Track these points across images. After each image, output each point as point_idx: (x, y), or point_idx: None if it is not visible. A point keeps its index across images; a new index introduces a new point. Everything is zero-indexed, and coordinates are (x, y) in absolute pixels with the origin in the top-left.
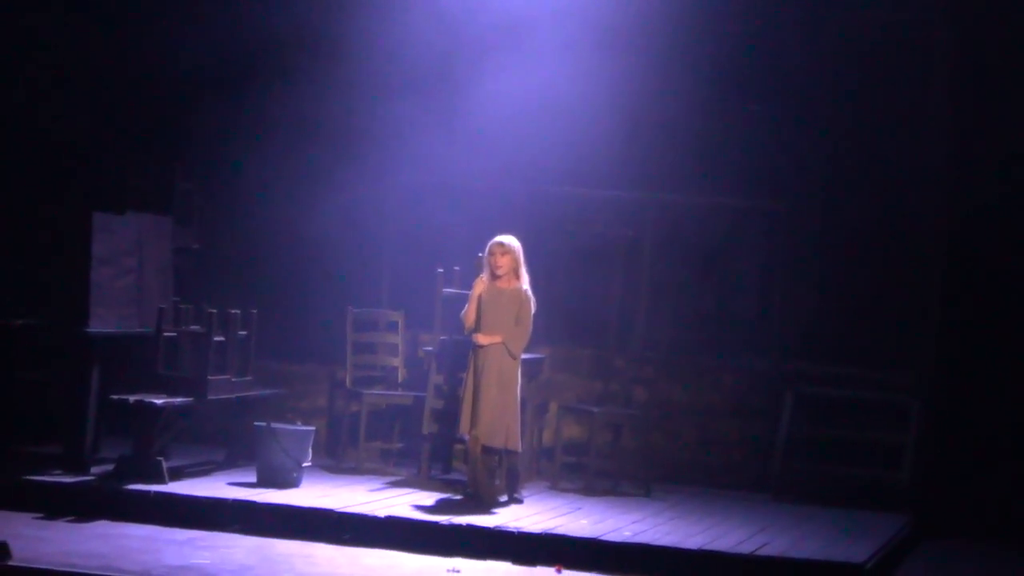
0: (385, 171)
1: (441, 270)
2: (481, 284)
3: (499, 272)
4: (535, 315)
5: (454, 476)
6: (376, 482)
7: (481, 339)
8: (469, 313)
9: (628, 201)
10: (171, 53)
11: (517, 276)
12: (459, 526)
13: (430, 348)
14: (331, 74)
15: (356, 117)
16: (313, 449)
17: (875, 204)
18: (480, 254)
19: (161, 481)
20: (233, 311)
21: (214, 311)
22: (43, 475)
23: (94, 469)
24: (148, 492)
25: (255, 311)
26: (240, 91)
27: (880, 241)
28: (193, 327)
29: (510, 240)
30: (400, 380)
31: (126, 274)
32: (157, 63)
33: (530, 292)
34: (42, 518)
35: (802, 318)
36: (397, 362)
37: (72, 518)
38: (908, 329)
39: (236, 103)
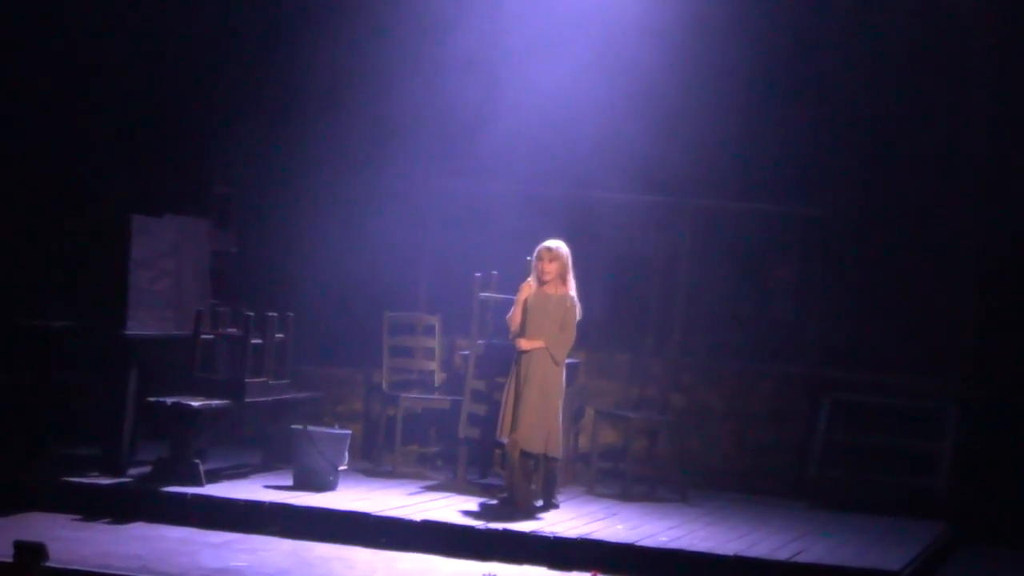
0: (422, 175)
1: (479, 274)
2: (528, 288)
3: (545, 279)
4: (582, 322)
5: (490, 480)
6: (412, 486)
7: (524, 344)
8: (515, 317)
9: (666, 206)
10: (211, 56)
11: (564, 282)
12: (495, 530)
13: (467, 352)
14: (368, 77)
15: (394, 119)
16: (349, 452)
17: (913, 209)
18: (528, 258)
19: (198, 483)
20: (270, 314)
21: (251, 314)
22: (81, 477)
23: (131, 471)
24: (185, 494)
25: (292, 314)
26: (277, 97)
27: (918, 247)
28: (230, 330)
29: (559, 246)
30: (437, 384)
31: (164, 277)
32: (197, 65)
33: (576, 299)
34: (80, 520)
35: (839, 324)
36: (434, 366)
37: (109, 520)
38: (945, 335)
39: (274, 106)
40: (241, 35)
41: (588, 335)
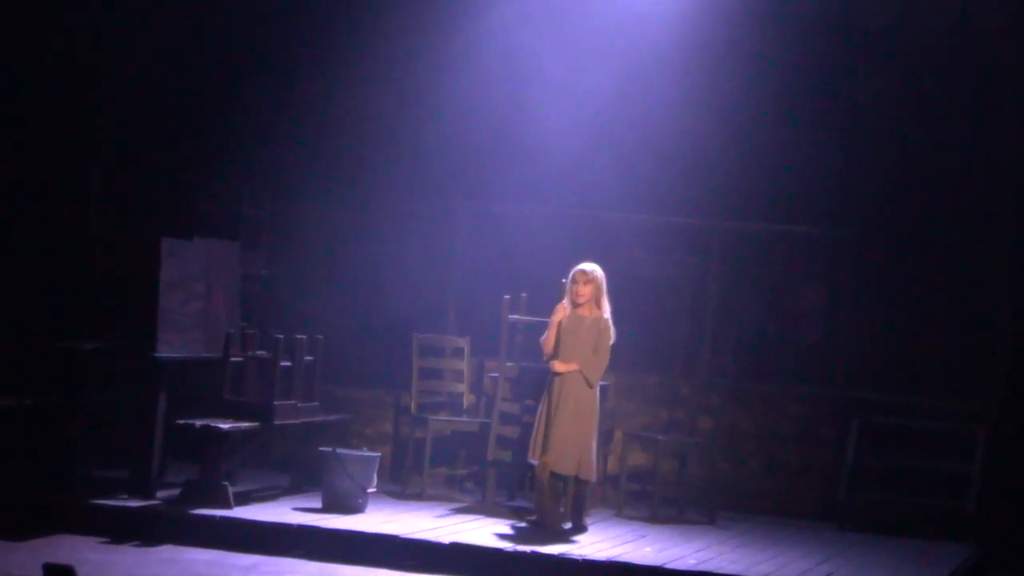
0: (451, 197)
1: (508, 296)
2: (562, 311)
3: (580, 300)
4: (613, 345)
5: (519, 503)
6: (441, 508)
7: (558, 366)
8: (548, 339)
9: (694, 228)
10: (240, 79)
11: (598, 305)
12: (524, 553)
13: (496, 374)
14: (402, 100)
15: (423, 143)
16: (378, 475)
17: (943, 231)
18: (563, 280)
19: (227, 506)
20: (299, 337)
21: (281, 336)
22: (110, 499)
23: (160, 493)
24: (214, 517)
25: (321, 337)
26: (306, 118)
27: (947, 268)
28: (260, 352)
29: (593, 268)
30: (465, 406)
31: (194, 299)
32: (226, 87)
33: (611, 322)
34: (108, 542)
35: (868, 346)
36: (463, 388)
37: (138, 542)
38: (975, 357)
39: (302, 130)
40: (271, 59)
41: (617, 357)
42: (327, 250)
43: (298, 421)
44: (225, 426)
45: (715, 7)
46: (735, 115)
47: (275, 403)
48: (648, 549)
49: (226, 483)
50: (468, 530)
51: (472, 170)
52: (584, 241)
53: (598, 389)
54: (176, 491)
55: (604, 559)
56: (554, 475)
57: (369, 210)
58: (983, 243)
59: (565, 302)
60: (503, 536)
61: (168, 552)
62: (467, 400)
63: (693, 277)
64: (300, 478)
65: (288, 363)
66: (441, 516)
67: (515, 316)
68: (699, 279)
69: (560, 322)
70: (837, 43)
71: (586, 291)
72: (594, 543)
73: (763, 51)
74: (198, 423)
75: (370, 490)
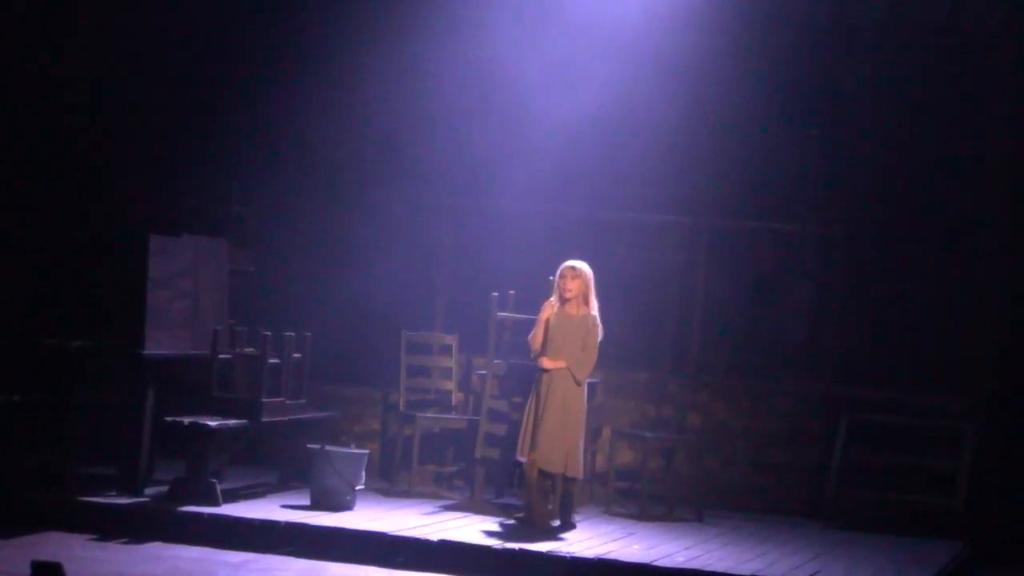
0: (440, 195)
1: (496, 294)
2: (549, 308)
3: (567, 296)
4: (601, 342)
5: (507, 500)
6: (429, 506)
7: (546, 363)
8: (536, 336)
9: (682, 226)
10: (229, 77)
11: (586, 302)
12: (512, 550)
13: (484, 372)
14: (389, 97)
15: (412, 139)
16: (366, 472)
17: (931, 228)
18: (551, 277)
19: (215, 503)
20: (287, 334)
21: (269, 334)
22: (98, 496)
23: (148, 491)
24: (202, 514)
25: (309, 334)
26: (294, 115)
27: (935, 265)
28: (248, 350)
29: (582, 265)
30: (454, 403)
31: (182, 296)
32: (216, 85)
33: (598, 319)
34: (96, 539)
35: (857, 343)
36: (451, 385)
37: (126, 540)
38: (964, 354)
39: (289, 126)
40: (259, 55)
41: (605, 354)
42: (315, 247)
43: (286, 418)
44: (213, 423)
45: (703, 5)
46: (723, 112)
47: (263, 400)
48: (636, 547)
49: (214, 480)
50: (456, 527)
51: (460, 168)
52: (572, 239)
53: (586, 386)
54: (164, 488)
55: (592, 556)
56: (542, 472)
57: (357, 207)
58: (971, 240)
59: (553, 299)
60: (491, 533)
61: (156, 549)
62: (455, 397)
63: (681, 274)
64: (288, 475)
65: (276, 360)
66: (429, 513)
67: (503, 313)
68: (687, 276)
69: (548, 319)
70: (826, 40)
71: (574, 286)
72: (582, 540)
73: (752, 48)
74: (186, 420)
75: (358, 487)
